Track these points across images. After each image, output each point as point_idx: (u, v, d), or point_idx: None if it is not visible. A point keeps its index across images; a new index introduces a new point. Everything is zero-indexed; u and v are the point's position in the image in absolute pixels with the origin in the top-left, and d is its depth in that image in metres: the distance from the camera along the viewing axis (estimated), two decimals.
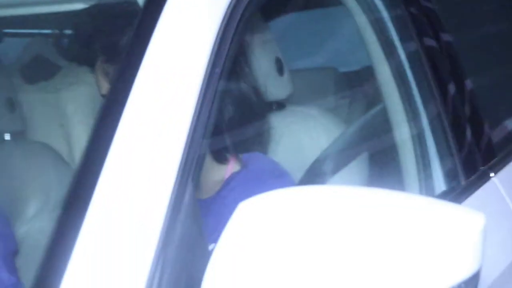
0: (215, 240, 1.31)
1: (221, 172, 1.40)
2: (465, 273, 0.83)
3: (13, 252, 1.75)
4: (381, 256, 0.78)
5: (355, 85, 1.53)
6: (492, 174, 1.49)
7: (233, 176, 1.38)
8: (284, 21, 2.25)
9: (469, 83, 1.59)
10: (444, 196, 1.39)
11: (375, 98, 1.53)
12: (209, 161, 1.41)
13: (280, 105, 1.65)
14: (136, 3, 1.16)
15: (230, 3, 1.01)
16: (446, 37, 1.61)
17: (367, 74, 1.59)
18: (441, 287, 0.80)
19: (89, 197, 0.83)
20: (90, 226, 0.81)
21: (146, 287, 0.82)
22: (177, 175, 0.88)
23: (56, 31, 2.09)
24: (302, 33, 2.38)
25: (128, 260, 0.82)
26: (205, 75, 0.94)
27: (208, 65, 0.95)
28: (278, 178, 1.39)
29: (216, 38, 0.97)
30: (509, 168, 1.57)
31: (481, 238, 0.85)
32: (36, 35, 2.11)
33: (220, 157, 1.42)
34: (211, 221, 1.33)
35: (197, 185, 1.42)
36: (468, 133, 1.51)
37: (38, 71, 1.81)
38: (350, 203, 0.88)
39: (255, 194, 1.22)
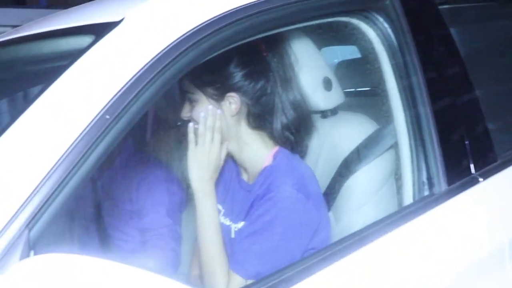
0: (243, 218, 1.80)
1: (261, 164, 1.84)
2: None
3: (178, 205, 2.28)
4: None
5: None
6: (481, 179, 1.74)
7: (264, 169, 1.82)
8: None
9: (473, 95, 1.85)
10: (427, 198, 1.70)
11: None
12: (257, 154, 1.86)
13: (333, 112, 2.02)
14: None
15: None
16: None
17: None
18: None
19: None
20: None
21: None
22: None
23: None
24: None
25: None
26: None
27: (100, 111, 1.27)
28: (295, 167, 1.80)
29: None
30: (502, 175, 1.80)
31: None
32: None
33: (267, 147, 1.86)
34: (246, 204, 1.83)
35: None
36: (462, 142, 1.77)
37: None
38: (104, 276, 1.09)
39: (275, 186, 1.70)
